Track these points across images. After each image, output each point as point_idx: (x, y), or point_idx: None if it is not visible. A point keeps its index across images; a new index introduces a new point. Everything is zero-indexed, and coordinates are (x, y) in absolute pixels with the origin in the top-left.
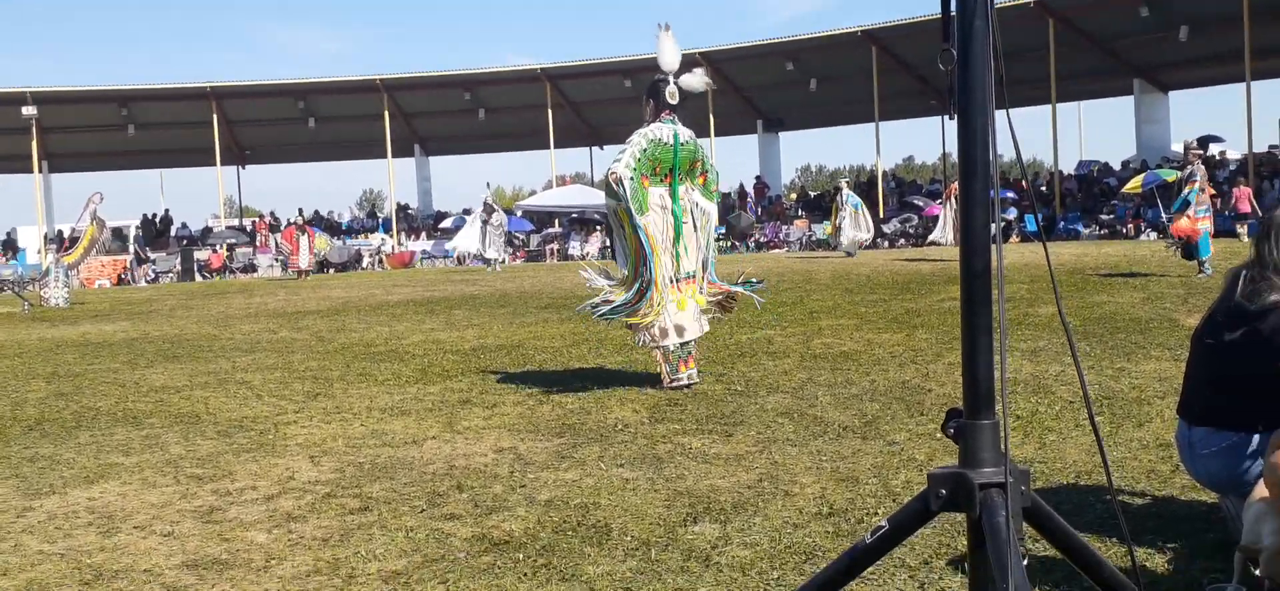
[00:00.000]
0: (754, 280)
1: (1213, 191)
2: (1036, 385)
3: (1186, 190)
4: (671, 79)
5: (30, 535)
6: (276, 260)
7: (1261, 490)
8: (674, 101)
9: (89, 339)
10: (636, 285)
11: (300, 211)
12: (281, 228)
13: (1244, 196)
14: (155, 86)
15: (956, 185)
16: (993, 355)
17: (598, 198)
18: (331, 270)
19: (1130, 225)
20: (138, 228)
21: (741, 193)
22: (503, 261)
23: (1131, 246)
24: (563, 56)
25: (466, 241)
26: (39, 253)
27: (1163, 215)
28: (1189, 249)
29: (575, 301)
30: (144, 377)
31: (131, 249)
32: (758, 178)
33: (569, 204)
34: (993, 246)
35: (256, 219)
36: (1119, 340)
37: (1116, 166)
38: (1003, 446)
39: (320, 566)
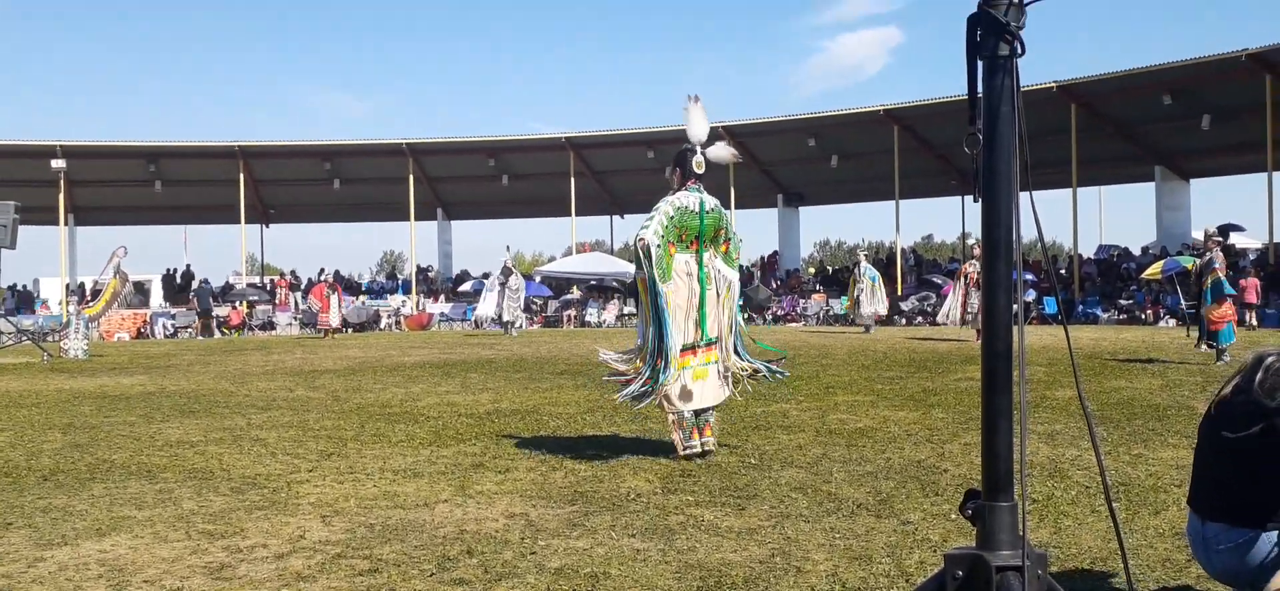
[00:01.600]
0: (774, 366)
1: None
2: (1053, 468)
3: (1216, 276)
4: (699, 149)
5: (40, 586)
6: (295, 318)
7: (1278, 583)
8: (700, 171)
9: (106, 391)
10: (650, 360)
11: (327, 271)
12: (310, 286)
13: (1252, 287)
14: (184, 144)
15: (968, 266)
16: (1012, 437)
17: (617, 265)
18: (350, 330)
19: (1149, 311)
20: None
21: (759, 264)
22: (520, 326)
23: (1150, 332)
24: (587, 126)
25: (486, 307)
26: (60, 304)
27: (1182, 302)
28: (1211, 334)
29: (591, 368)
30: (159, 431)
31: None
32: (774, 253)
33: (588, 271)
34: (1015, 328)
35: (276, 277)
36: (1136, 426)
37: (1136, 251)
38: (1021, 529)
39: None
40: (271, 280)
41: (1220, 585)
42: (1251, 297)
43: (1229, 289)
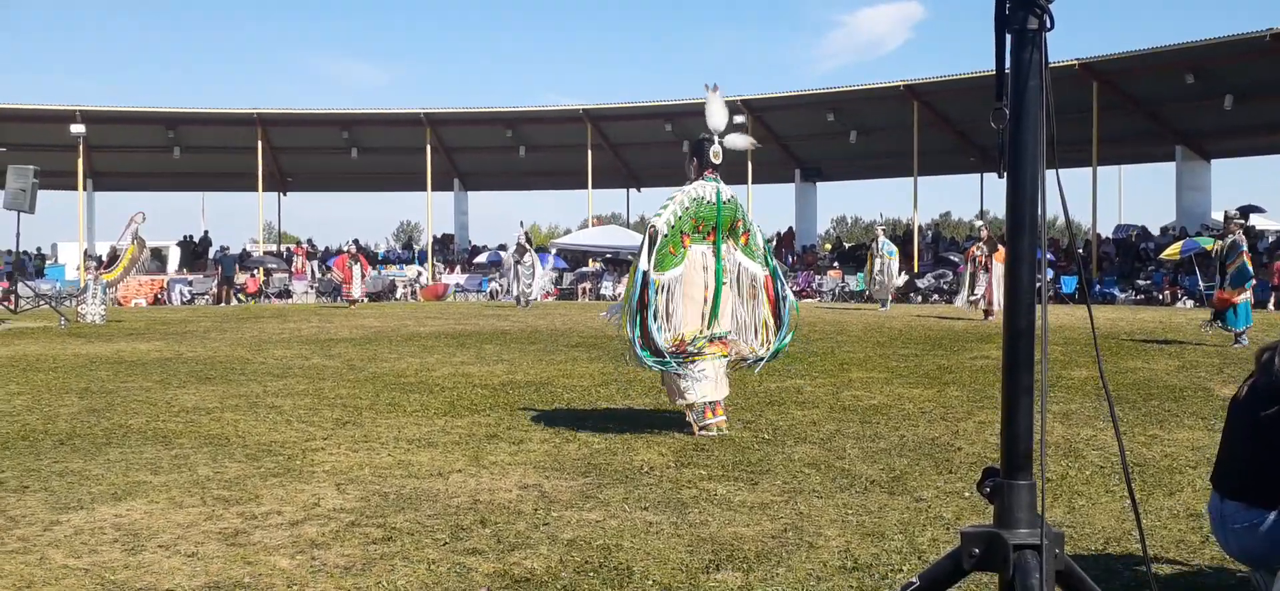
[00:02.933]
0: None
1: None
2: (1068, 448)
3: (1240, 261)
4: (717, 138)
5: (56, 549)
6: (312, 287)
7: None
8: (717, 160)
9: (123, 357)
10: (639, 316)
11: (356, 242)
12: (330, 256)
13: (1277, 270)
14: (203, 111)
15: (975, 249)
16: (1033, 416)
17: (633, 238)
18: (365, 299)
19: (1167, 291)
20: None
21: (774, 241)
22: (534, 298)
23: (1167, 313)
24: (605, 98)
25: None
26: (78, 269)
27: (1200, 283)
28: (1220, 315)
29: (605, 341)
30: (175, 397)
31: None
32: (789, 229)
33: (604, 244)
34: (1038, 307)
35: (294, 245)
36: (1152, 407)
37: (1155, 232)
38: (1039, 508)
39: None
40: (289, 248)
41: (1236, 566)
42: (1278, 282)
43: (1251, 277)
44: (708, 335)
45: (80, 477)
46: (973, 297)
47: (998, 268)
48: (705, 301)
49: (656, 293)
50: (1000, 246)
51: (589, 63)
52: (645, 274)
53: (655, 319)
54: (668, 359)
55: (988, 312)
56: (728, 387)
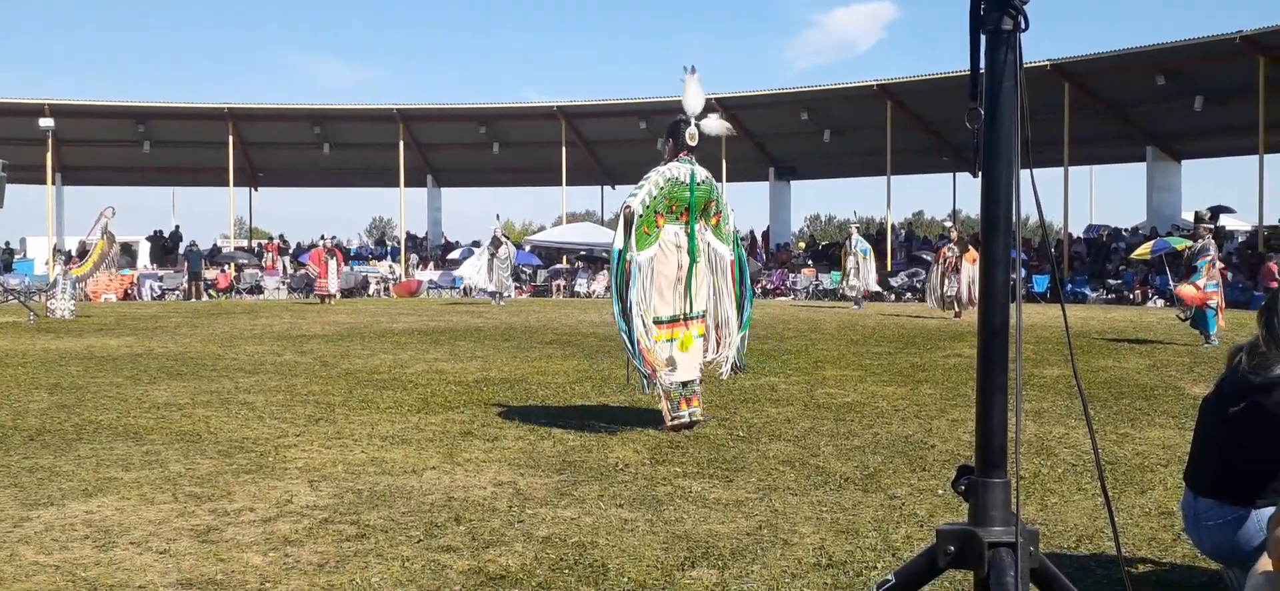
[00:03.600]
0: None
1: (1223, 266)
2: (1040, 446)
3: (1198, 262)
4: (693, 121)
5: (26, 545)
6: (284, 282)
7: (1265, 563)
8: (693, 143)
9: (93, 352)
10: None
11: (326, 237)
12: (306, 251)
13: (1272, 270)
14: (173, 105)
15: (945, 249)
16: (1007, 414)
17: (607, 235)
18: (339, 295)
19: (1138, 291)
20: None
21: (748, 240)
22: (508, 295)
23: (1138, 312)
24: (579, 95)
25: (472, 272)
26: (47, 264)
27: (1170, 282)
28: (1198, 317)
29: (580, 339)
30: (146, 393)
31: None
32: (765, 230)
33: (578, 241)
34: (1012, 305)
35: (266, 240)
36: (1123, 405)
37: (1126, 231)
38: (1013, 506)
39: None
40: (262, 244)
41: (1208, 563)
42: (1273, 284)
43: (1205, 279)
44: (683, 314)
45: (50, 474)
46: (948, 295)
47: (968, 268)
48: (679, 281)
49: (637, 272)
50: (971, 247)
51: (563, 60)
52: (621, 254)
53: (637, 300)
54: (637, 354)
55: (958, 313)
56: (699, 369)
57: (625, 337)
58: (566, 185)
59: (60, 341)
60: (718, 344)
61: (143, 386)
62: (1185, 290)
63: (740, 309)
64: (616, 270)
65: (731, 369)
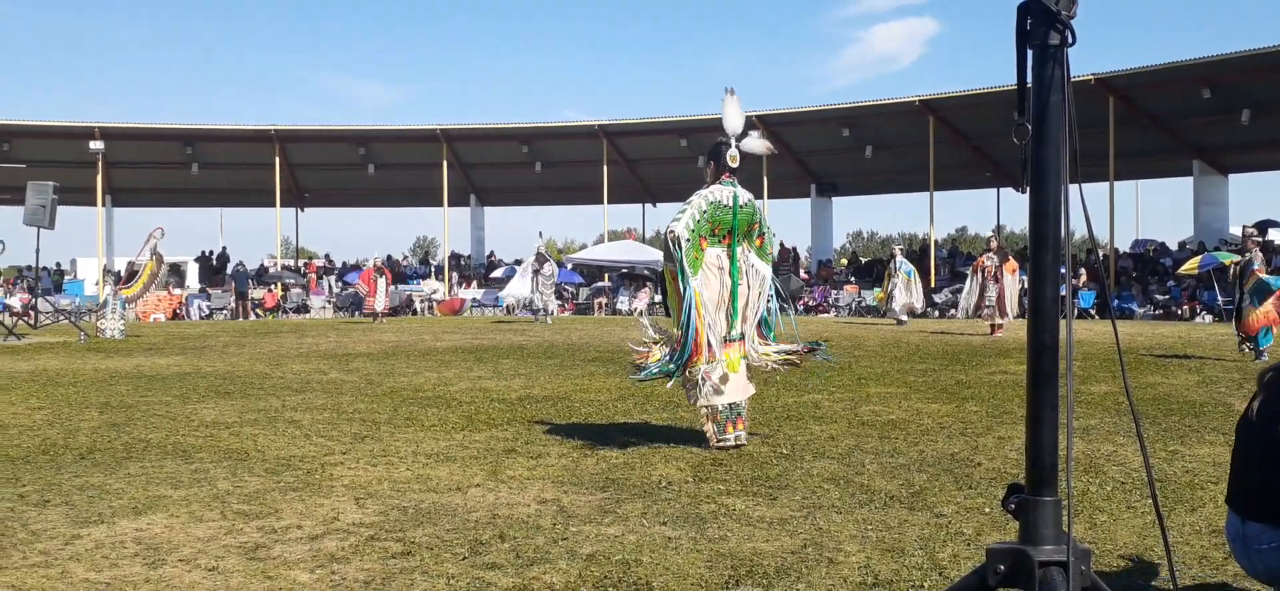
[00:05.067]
0: (820, 345)
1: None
2: (1088, 464)
3: (1257, 278)
4: (733, 142)
5: (77, 563)
6: (330, 301)
7: None
8: (734, 164)
9: (142, 371)
10: (684, 342)
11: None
12: (350, 271)
13: None
14: (220, 127)
15: (984, 258)
16: (1057, 431)
17: (649, 253)
18: (389, 313)
19: (1186, 306)
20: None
21: (785, 254)
22: (552, 313)
23: (1187, 328)
24: (620, 114)
25: (517, 289)
26: (97, 284)
27: (1218, 298)
28: (1249, 338)
29: (623, 356)
30: (195, 412)
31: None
32: (807, 248)
33: (619, 259)
34: (1062, 321)
35: (307, 260)
36: (1172, 422)
37: (1173, 247)
38: (1066, 525)
39: None
40: (304, 264)
41: (1259, 585)
42: None
43: (1275, 284)
44: (728, 336)
45: (100, 491)
46: (986, 309)
47: (1008, 279)
48: (722, 303)
49: (695, 296)
50: (1010, 257)
51: (604, 78)
52: (684, 274)
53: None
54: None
55: (995, 327)
56: (753, 389)
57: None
58: (608, 203)
59: (110, 361)
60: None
61: (191, 405)
62: (1265, 315)
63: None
64: (686, 298)
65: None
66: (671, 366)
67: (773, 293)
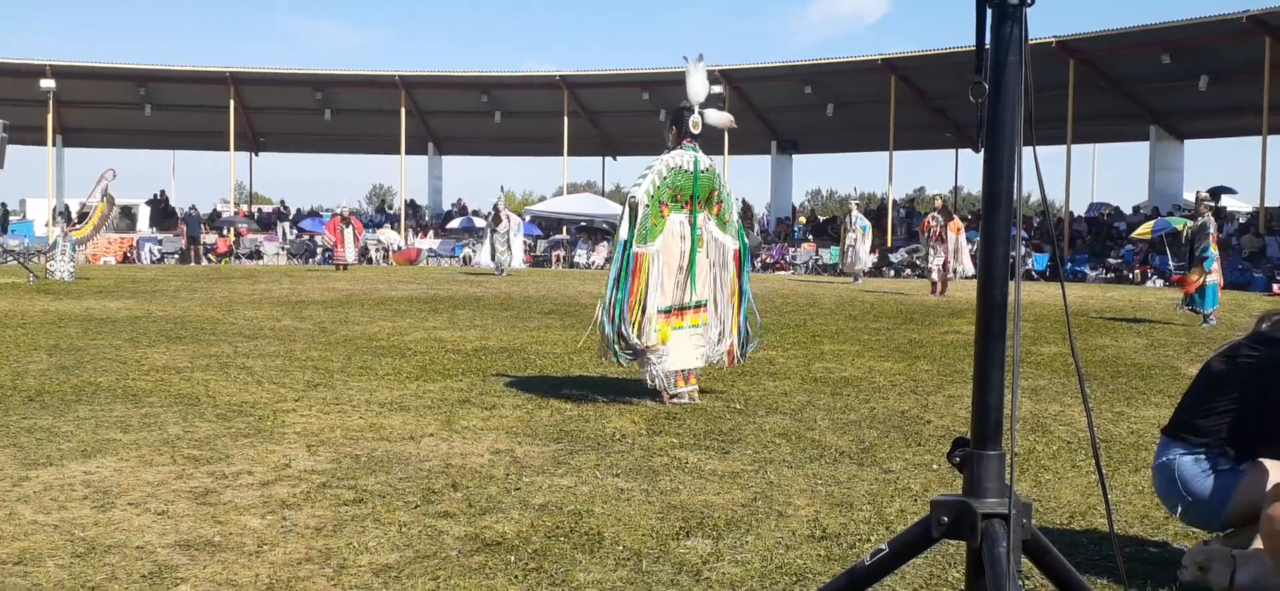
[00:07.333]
0: (752, 341)
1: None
2: (1035, 423)
3: (1205, 243)
4: (697, 109)
5: (25, 505)
6: (283, 248)
7: (1257, 541)
8: (696, 131)
9: (92, 314)
10: (610, 314)
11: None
12: (305, 218)
13: None
14: (174, 68)
15: (929, 219)
16: (1004, 388)
17: (608, 206)
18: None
19: (1137, 270)
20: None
21: (747, 210)
22: (509, 265)
23: (1137, 292)
24: (582, 65)
25: (483, 257)
26: (47, 225)
27: (1171, 263)
28: (1190, 299)
29: (578, 309)
30: (145, 356)
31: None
32: (766, 205)
33: (578, 212)
34: (1011, 282)
35: (265, 206)
36: (1120, 384)
37: (1128, 211)
38: (1008, 478)
39: (312, 554)
40: (260, 209)
41: (1196, 537)
42: None
43: (1212, 258)
44: (683, 303)
45: (49, 434)
46: (934, 266)
47: (952, 237)
48: (680, 270)
49: (650, 263)
50: (954, 216)
51: (566, 29)
52: (627, 244)
53: (651, 289)
54: (640, 349)
55: (937, 286)
56: (701, 359)
57: (607, 322)
58: (568, 155)
59: (59, 303)
60: (718, 337)
61: (142, 349)
62: (1211, 276)
63: (738, 305)
64: (620, 260)
65: (741, 355)
66: (618, 347)
67: (746, 271)
